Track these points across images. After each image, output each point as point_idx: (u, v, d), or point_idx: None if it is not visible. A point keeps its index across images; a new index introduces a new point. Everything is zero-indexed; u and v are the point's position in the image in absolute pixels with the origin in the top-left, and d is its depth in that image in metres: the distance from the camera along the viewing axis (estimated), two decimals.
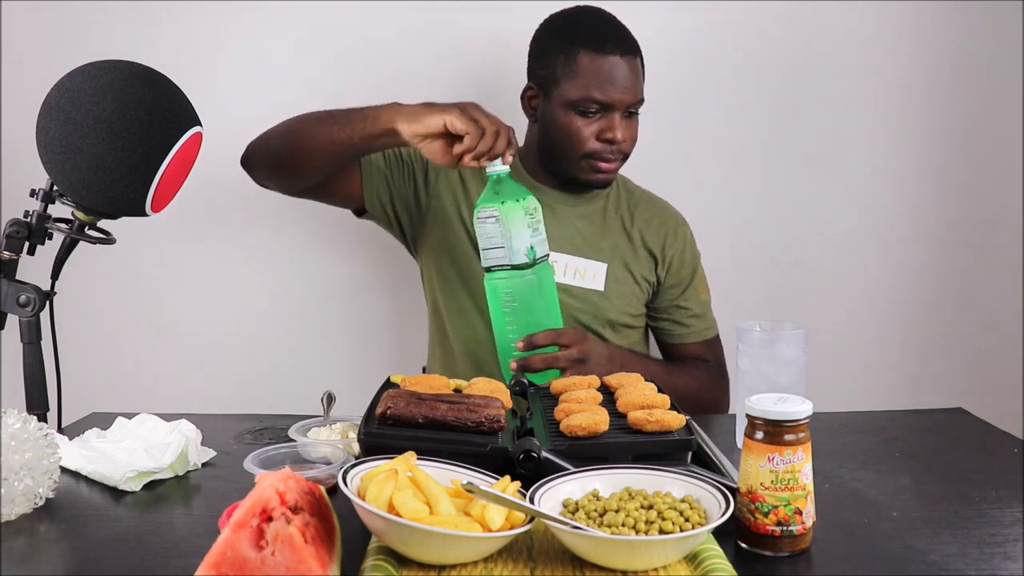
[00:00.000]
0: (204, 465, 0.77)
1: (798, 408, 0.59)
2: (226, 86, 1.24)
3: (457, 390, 0.79)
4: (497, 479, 0.62)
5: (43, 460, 0.65)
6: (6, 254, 0.78)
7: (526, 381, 0.83)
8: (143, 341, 1.29)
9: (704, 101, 1.29)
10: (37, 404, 0.82)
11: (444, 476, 0.61)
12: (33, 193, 0.80)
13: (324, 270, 1.30)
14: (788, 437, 0.59)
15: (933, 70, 1.30)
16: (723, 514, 0.56)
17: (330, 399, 0.80)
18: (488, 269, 0.89)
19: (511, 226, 0.86)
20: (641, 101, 1.03)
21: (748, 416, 0.61)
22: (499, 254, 0.87)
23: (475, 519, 0.55)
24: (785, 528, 0.58)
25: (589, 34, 1.01)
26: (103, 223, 0.84)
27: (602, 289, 1.06)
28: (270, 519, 0.52)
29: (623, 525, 0.56)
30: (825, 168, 1.32)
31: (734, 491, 0.60)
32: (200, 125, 0.81)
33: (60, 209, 0.82)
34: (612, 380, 0.83)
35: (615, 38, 1.01)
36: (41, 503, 0.66)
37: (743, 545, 0.60)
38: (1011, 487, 0.71)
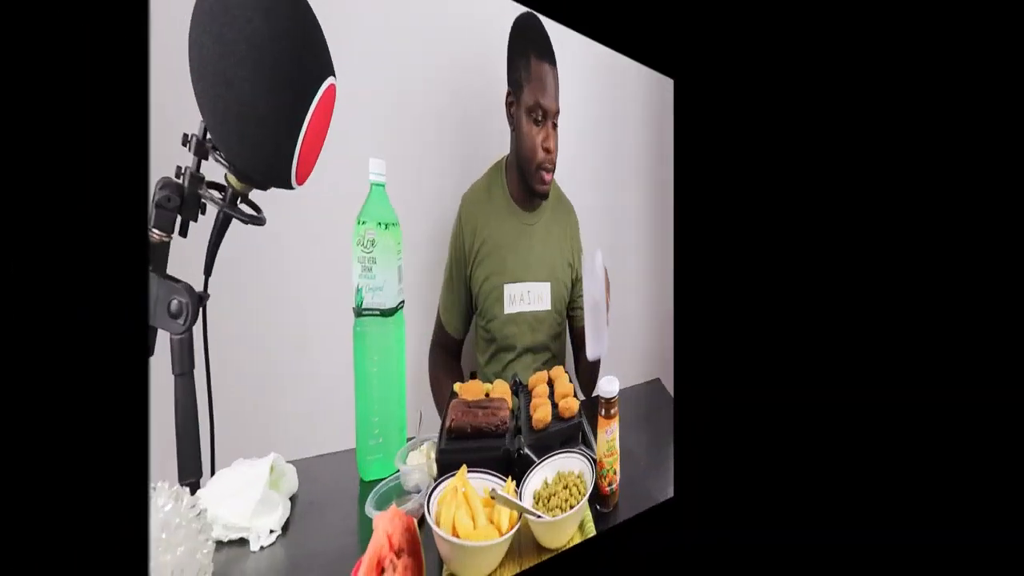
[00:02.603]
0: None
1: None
2: None
3: (487, 394, 0.84)
4: (503, 481, 0.72)
5: (196, 554, 0.51)
6: (156, 234, 0.51)
7: (519, 380, 0.89)
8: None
9: None
10: (191, 468, 0.57)
11: (480, 485, 0.70)
12: (185, 141, 0.57)
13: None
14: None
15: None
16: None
17: (420, 418, 0.73)
18: (361, 312, 0.75)
19: (389, 259, 0.72)
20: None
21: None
22: (374, 296, 0.73)
23: (495, 525, 0.66)
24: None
25: (540, 39, 0.97)
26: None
27: (549, 308, 1.09)
28: (383, 570, 0.59)
29: (558, 508, 0.73)
30: None
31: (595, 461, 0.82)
32: (334, 75, 0.63)
33: (212, 172, 0.58)
34: (552, 372, 0.96)
35: (549, 46, 0.98)
36: None
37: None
38: None
